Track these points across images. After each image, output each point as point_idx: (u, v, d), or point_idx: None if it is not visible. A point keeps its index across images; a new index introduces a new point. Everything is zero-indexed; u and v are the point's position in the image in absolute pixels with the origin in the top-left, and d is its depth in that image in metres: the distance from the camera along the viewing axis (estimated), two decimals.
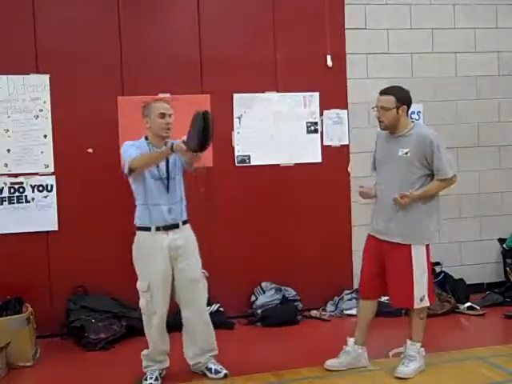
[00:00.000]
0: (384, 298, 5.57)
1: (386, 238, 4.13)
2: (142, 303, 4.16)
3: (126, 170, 4.09)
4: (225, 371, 4.25)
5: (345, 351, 4.25)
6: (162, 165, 4.13)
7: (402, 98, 4.13)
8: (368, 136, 5.16)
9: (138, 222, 4.20)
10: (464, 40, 6.22)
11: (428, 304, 4.18)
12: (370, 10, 6.00)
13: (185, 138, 3.86)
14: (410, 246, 4.07)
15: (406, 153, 4.06)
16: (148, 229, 4.14)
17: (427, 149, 4.05)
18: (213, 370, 4.26)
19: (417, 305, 4.09)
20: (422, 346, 4.19)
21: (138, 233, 4.19)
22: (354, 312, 5.59)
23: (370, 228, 4.27)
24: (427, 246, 4.16)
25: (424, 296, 4.11)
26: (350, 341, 4.25)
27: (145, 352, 4.23)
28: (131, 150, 4.07)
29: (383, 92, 4.16)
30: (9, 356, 4.50)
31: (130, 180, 4.19)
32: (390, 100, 4.08)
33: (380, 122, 4.14)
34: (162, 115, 4.09)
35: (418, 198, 4.04)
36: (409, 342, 4.19)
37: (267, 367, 4.39)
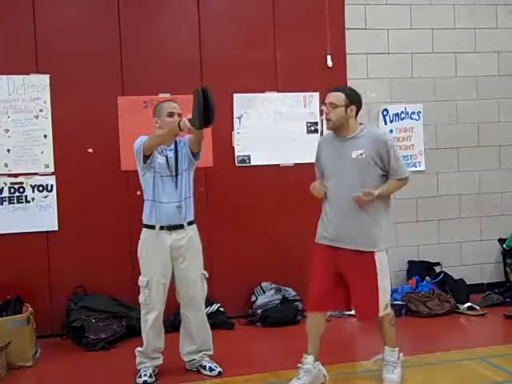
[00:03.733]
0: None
1: (344, 246, 3.91)
2: (141, 298, 4.23)
3: (141, 160, 4.13)
4: (219, 369, 4.29)
5: (305, 370, 3.98)
6: (172, 161, 4.17)
7: (352, 97, 3.97)
8: None
9: (143, 219, 4.24)
10: (464, 40, 6.23)
11: (391, 311, 4.07)
12: (370, 10, 6.01)
13: (190, 116, 3.88)
14: (372, 253, 3.90)
15: (361, 154, 3.91)
16: (152, 227, 4.18)
17: (382, 149, 3.91)
18: (207, 368, 4.30)
19: (381, 313, 3.96)
20: (399, 351, 4.11)
21: (144, 230, 4.25)
22: (354, 312, 5.59)
23: (321, 237, 4.04)
24: (386, 250, 4.05)
25: (388, 303, 4.00)
26: (309, 358, 4.00)
27: (139, 348, 4.29)
28: (143, 139, 4.12)
29: (334, 89, 4.02)
30: (9, 356, 4.49)
31: (141, 173, 4.22)
32: (340, 97, 3.94)
33: (327, 120, 3.98)
34: (171, 114, 4.14)
35: (378, 197, 3.88)
36: (387, 348, 4.08)
37: (267, 367, 4.39)
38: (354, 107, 3.97)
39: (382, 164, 3.93)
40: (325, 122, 4.07)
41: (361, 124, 4.06)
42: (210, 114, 3.79)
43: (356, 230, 3.90)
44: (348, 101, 3.95)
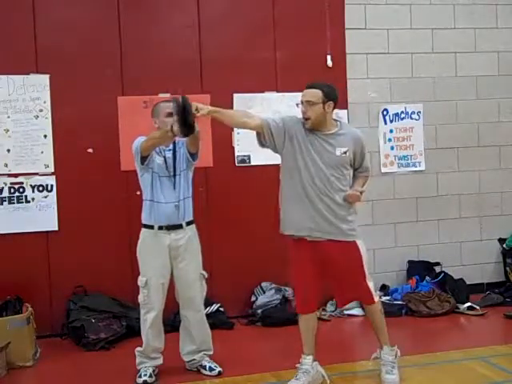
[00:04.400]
0: (384, 299, 5.61)
1: (327, 237, 3.91)
2: (140, 298, 4.24)
3: (138, 161, 4.14)
4: (219, 369, 4.30)
5: (304, 371, 3.98)
6: (170, 161, 4.18)
7: (329, 93, 3.92)
8: (368, 136, 5.15)
9: (142, 219, 4.25)
10: (464, 40, 6.23)
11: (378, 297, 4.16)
12: (370, 9, 6.01)
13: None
14: (355, 242, 3.97)
15: (345, 152, 3.94)
16: (151, 227, 4.19)
17: (359, 148, 4.01)
18: (207, 368, 4.31)
19: (376, 297, 4.04)
20: (397, 348, 4.11)
21: (142, 230, 4.26)
22: (354, 312, 5.61)
23: (294, 229, 3.96)
24: None
25: (375, 290, 4.08)
26: (308, 358, 3.99)
27: (139, 348, 4.29)
28: (141, 140, 4.13)
29: (309, 86, 3.97)
30: (9, 356, 4.50)
31: (140, 174, 4.23)
32: (317, 94, 3.89)
33: (306, 119, 3.93)
34: (170, 114, 4.12)
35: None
36: (386, 348, 4.07)
37: (267, 367, 4.39)
38: (331, 103, 3.95)
39: (353, 161, 4.04)
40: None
41: (335, 120, 4.06)
42: (185, 123, 3.79)
43: (335, 222, 3.93)
44: (325, 97, 3.92)
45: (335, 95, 4.00)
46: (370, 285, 4.02)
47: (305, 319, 4.07)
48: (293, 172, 3.97)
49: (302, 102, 3.97)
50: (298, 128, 3.99)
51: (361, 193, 3.99)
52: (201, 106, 3.85)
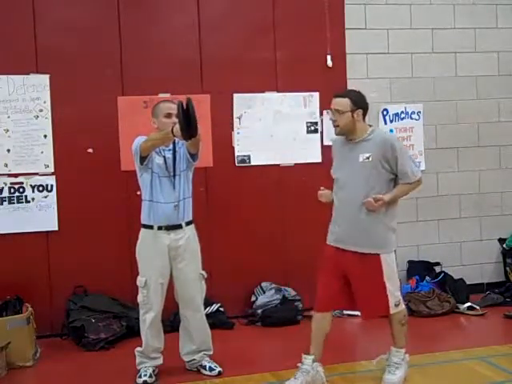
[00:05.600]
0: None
1: (351, 248, 3.93)
2: (139, 298, 4.24)
3: (138, 161, 4.14)
4: (219, 369, 4.30)
5: (303, 370, 3.98)
6: (170, 162, 4.18)
7: (358, 101, 3.96)
8: None
9: (142, 219, 4.25)
10: (464, 40, 6.23)
11: (403, 307, 4.09)
12: (370, 9, 6.01)
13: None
14: (378, 255, 3.91)
15: (368, 157, 3.89)
16: (150, 227, 4.19)
17: (389, 152, 3.87)
18: (207, 368, 4.31)
19: (392, 310, 3.98)
20: (405, 352, 4.12)
21: (142, 230, 4.26)
22: (354, 312, 5.59)
23: (329, 238, 4.06)
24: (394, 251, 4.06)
25: (399, 301, 4.01)
26: (308, 358, 3.99)
27: (139, 349, 4.29)
28: (141, 140, 4.13)
29: (338, 95, 4.01)
30: (9, 356, 4.50)
31: (139, 174, 4.23)
32: (345, 103, 3.93)
33: (335, 126, 3.98)
34: (169, 115, 4.14)
35: (388, 203, 3.89)
36: (393, 349, 4.09)
37: (267, 367, 4.40)
38: (360, 111, 3.96)
39: (389, 167, 3.91)
40: (332, 127, 4.06)
41: (370, 126, 4.05)
42: (192, 127, 3.79)
43: (361, 233, 3.91)
44: (353, 105, 3.94)
45: (364, 103, 4.01)
46: (390, 298, 3.94)
47: (318, 317, 4.08)
48: (334, 183, 4.10)
49: (331, 110, 4.02)
50: (337, 142, 4.14)
51: (377, 200, 3.83)
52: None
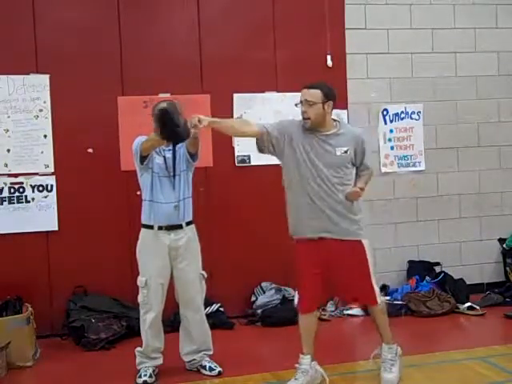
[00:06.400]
0: (384, 299, 5.60)
1: (332, 237, 3.93)
2: (139, 298, 4.25)
3: (138, 161, 4.15)
4: (219, 369, 4.30)
5: (302, 370, 3.98)
6: (170, 162, 4.18)
7: (329, 93, 3.94)
8: (368, 136, 5.14)
9: (142, 219, 4.25)
10: (464, 40, 6.23)
11: (382, 298, 4.14)
12: (370, 9, 6.01)
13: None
14: (360, 241, 3.96)
15: (346, 151, 3.94)
16: (151, 227, 4.19)
17: (359, 147, 3.99)
18: (207, 368, 4.31)
19: (379, 299, 4.02)
20: (397, 346, 4.11)
21: (142, 230, 4.26)
22: (354, 312, 5.61)
23: (302, 231, 3.98)
24: None
25: (379, 290, 4.07)
26: (306, 358, 3.99)
27: (139, 349, 4.29)
28: (141, 140, 4.14)
29: (308, 86, 3.97)
30: (9, 356, 4.50)
31: (139, 174, 4.24)
32: (316, 94, 3.90)
33: (305, 119, 3.94)
34: None
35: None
36: (385, 346, 4.08)
37: (267, 367, 4.39)
38: (330, 103, 3.96)
39: (354, 160, 4.02)
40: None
41: (334, 120, 4.05)
42: (176, 132, 3.81)
43: (341, 221, 3.93)
44: (324, 97, 3.92)
45: (334, 95, 4.02)
46: (375, 285, 4.01)
47: (304, 318, 4.07)
48: (295, 175, 3.99)
49: (301, 102, 3.97)
50: (296, 130, 4.00)
51: (361, 189, 3.95)
52: (202, 117, 3.85)
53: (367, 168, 4.10)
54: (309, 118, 3.93)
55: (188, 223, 4.25)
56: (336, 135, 3.98)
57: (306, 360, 4.01)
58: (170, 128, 3.83)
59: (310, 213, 3.96)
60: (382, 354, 4.10)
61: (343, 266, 3.96)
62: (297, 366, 4.03)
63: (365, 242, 4.00)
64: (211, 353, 4.38)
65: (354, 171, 4.06)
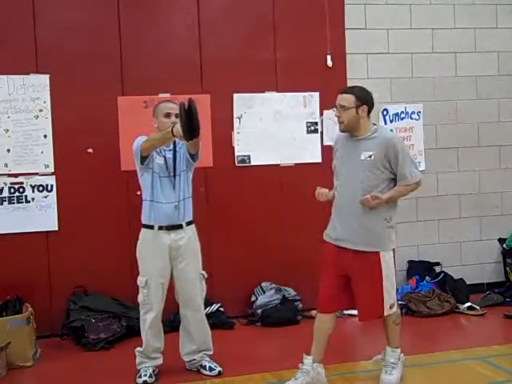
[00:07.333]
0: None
1: (349, 246, 3.91)
2: (139, 298, 4.25)
3: (138, 161, 4.15)
4: (219, 369, 4.30)
5: (303, 371, 3.97)
6: (170, 162, 4.18)
7: (362, 97, 3.94)
8: None
9: (142, 219, 4.25)
10: (464, 40, 6.23)
11: (397, 309, 4.07)
12: (370, 9, 6.01)
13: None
14: (378, 253, 3.89)
15: (370, 156, 3.88)
16: (151, 227, 4.19)
17: (390, 152, 3.86)
18: (207, 368, 4.31)
19: (386, 312, 3.97)
20: (401, 352, 4.12)
21: (142, 230, 4.26)
22: (354, 312, 5.58)
23: (328, 236, 4.04)
24: (393, 250, 4.04)
25: (393, 303, 4.00)
26: (308, 359, 3.98)
27: (139, 349, 4.30)
28: (141, 140, 4.13)
29: (343, 91, 4.01)
30: (9, 356, 4.50)
31: (140, 174, 4.24)
32: (350, 99, 3.91)
33: (340, 122, 3.97)
34: (168, 115, 4.16)
35: (386, 202, 3.87)
36: (389, 349, 4.10)
37: (267, 367, 4.40)
38: (364, 107, 3.95)
39: (390, 167, 3.91)
40: (337, 123, 4.04)
41: (374, 124, 4.05)
42: (194, 128, 3.78)
43: (360, 231, 3.90)
44: (358, 101, 3.93)
45: (369, 99, 3.99)
46: (386, 298, 3.93)
47: (321, 319, 4.07)
48: (335, 181, 4.09)
49: (336, 106, 4.00)
50: (340, 139, 4.12)
51: (374, 198, 3.81)
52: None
53: (404, 178, 3.91)
54: (342, 122, 3.97)
55: (188, 223, 4.25)
56: (367, 139, 3.95)
57: (308, 360, 4.01)
58: (196, 120, 3.76)
59: (336, 218, 4.02)
60: (384, 357, 4.11)
61: (354, 278, 3.96)
62: (300, 365, 4.03)
63: (383, 255, 3.91)
64: (211, 353, 4.38)
65: (387, 177, 3.92)
